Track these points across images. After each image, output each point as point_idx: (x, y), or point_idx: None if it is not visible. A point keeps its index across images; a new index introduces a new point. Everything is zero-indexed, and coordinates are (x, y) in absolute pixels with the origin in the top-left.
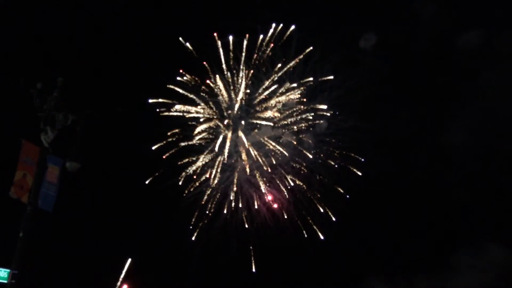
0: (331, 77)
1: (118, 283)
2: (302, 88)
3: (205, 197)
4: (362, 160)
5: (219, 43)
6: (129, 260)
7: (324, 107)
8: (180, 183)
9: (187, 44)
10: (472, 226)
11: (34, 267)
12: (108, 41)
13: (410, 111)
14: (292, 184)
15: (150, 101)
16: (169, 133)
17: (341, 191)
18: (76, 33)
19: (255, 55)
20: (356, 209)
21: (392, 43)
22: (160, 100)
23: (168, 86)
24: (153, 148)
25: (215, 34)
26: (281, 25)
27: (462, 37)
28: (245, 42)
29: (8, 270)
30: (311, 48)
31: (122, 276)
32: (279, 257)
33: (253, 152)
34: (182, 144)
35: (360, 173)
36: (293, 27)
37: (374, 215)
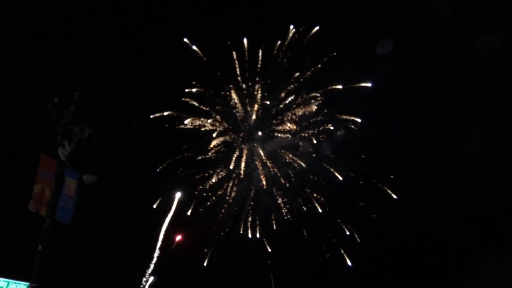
0: (369, 84)
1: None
2: (319, 99)
3: (222, 211)
4: (380, 169)
5: (234, 54)
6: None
7: (358, 120)
8: (190, 210)
9: (194, 47)
10: (496, 234)
11: (53, 280)
12: (124, 56)
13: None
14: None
15: (152, 116)
16: (184, 147)
17: (361, 204)
18: (93, 48)
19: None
20: (376, 218)
21: (409, 48)
22: (166, 113)
23: (183, 99)
24: (167, 163)
25: (228, 43)
26: (303, 26)
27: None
28: (260, 52)
29: (28, 283)
30: (334, 53)
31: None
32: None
33: (270, 165)
34: (199, 158)
35: (380, 184)
36: (317, 27)
37: (395, 224)
